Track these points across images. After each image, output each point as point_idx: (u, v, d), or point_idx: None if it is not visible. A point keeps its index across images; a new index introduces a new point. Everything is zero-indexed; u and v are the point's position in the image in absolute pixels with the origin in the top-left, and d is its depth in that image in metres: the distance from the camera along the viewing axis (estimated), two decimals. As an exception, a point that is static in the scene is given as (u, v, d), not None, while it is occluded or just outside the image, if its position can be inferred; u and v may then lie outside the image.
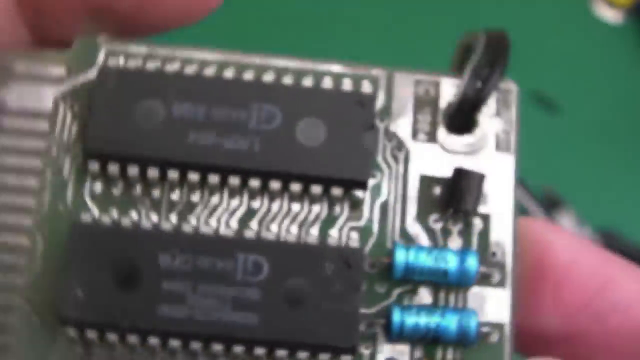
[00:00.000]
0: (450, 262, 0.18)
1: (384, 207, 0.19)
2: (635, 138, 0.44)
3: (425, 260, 0.18)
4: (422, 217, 0.19)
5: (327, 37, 0.49)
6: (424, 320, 0.18)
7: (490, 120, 0.19)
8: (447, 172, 0.19)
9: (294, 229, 0.19)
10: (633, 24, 0.48)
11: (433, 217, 0.19)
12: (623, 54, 0.46)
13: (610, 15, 0.48)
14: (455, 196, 0.19)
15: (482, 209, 0.19)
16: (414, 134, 0.19)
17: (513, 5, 0.49)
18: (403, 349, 0.18)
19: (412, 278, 0.18)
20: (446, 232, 0.19)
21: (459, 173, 0.19)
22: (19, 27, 0.21)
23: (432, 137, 0.19)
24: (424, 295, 0.19)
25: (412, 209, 0.19)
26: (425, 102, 0.20)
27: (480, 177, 0.19)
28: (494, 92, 0.19)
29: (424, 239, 0.19)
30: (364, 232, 0.19)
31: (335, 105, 0.19)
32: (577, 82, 0.45)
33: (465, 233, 0.19)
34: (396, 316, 0.18)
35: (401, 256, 0.18)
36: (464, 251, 0.19)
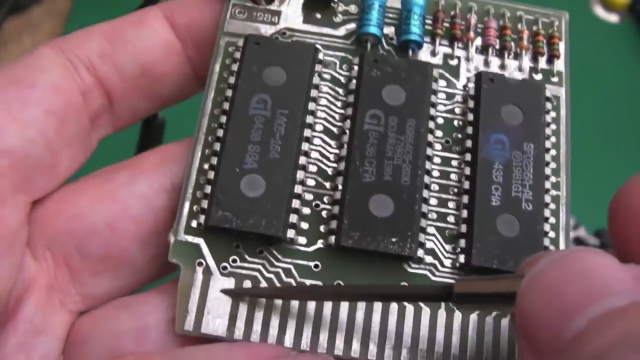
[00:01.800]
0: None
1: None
2: (632, 138, 0.44)
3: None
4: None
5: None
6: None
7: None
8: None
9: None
10: (631, 23, 0.48)
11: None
12: (621, 54, 0.47)
13: (608, 15, 0.49)
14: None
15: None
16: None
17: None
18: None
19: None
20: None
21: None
22: (185, 67, 0.25)
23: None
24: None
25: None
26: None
27: None
28: None
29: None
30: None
31: None
32: (574, 81, 0.48)
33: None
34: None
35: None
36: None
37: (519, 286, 0.18)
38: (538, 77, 0.26)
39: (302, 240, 0.23)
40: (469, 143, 0.24)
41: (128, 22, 0.25)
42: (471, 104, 0.25)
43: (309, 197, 0.23)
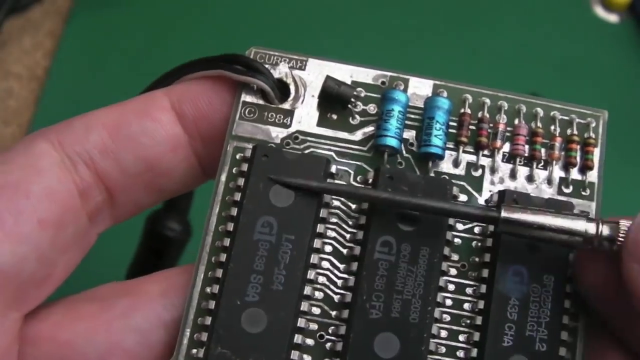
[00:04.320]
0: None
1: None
2: (633, 138, 0.44)
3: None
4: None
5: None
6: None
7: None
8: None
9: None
10: (631, 23, 0.48)
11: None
12: (621, 54, 0.47)
13: (608, 15, 0.48)
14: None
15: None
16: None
17: (512, 5, 0.48)
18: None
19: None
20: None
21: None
22: (192, 160, 0.24)
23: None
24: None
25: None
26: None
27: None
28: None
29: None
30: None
31: None
32: (575, 82, 0.43)
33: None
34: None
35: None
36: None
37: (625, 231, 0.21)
38: (568, 190, 0.24)
39: (304, 374, 0.22)
40: (485, 272, 0.23)
41: (133, 112, 0.24)
42: (492, 226, 0.23)
43: (313, 326, 0.22)
